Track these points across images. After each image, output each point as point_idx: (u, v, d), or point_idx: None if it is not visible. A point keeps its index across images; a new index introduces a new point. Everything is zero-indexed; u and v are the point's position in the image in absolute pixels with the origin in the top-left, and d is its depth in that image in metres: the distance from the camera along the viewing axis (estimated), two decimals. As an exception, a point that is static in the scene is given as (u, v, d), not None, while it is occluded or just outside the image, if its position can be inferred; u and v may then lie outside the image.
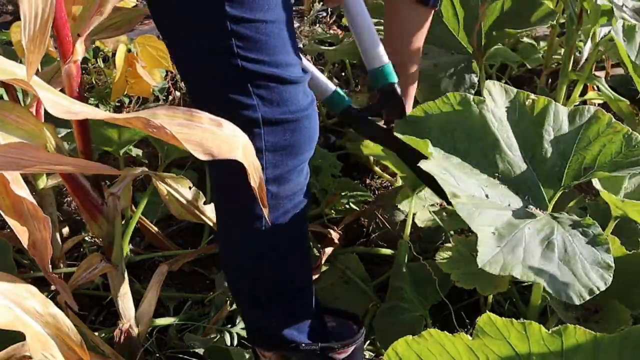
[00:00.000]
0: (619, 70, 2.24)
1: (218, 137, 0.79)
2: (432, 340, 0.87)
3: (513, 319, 0.85)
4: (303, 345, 1.14)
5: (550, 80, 2.19)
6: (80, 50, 0.96)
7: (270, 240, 1.09)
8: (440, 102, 1.26)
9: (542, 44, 2.25)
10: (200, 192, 1.34)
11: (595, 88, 1.97)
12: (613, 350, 0.84)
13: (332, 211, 1.69)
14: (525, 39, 2.24)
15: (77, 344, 0.97)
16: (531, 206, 1.19)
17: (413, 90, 1.44)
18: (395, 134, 1.24)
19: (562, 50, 2.10)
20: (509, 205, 1.18)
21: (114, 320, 1.32)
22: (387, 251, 1.57)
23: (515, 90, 1.30)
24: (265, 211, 0.90)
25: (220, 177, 1.09)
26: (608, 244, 1.08)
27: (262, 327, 1.17)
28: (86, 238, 1.63)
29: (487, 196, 1.17)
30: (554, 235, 1.08)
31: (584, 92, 2.01)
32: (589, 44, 1.78)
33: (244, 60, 0.95)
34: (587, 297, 1.00)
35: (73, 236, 1.60)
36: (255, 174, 0.84)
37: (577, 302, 0.99)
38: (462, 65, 1.78)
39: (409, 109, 1.39)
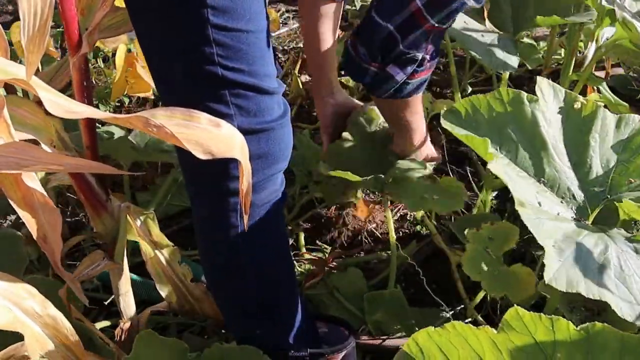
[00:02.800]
0: (619, 70, 2.24)
1: (216, 137, 0.79)
2: (455, 332, 0.85)
3: (541, 314, 0.83)
4: (292, 351, 1.15)
5: (550, 80, 2.18)
6: (87, 43, 0.97)
7: (249, 249, 1.09)
8: (491, 97, 1.23)
9: (542, 44, 2.25)
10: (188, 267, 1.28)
11: (595, 89, 1.97)
12: (640, 349, 0.83)
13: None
14: (526, 39, 2.23)
15: (76, 344, 0.97)
16: (584, 220, 1.16)
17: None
18: (444, 125, 1.22)
19: (562, 50, 2.10)
20: (558, 214, 1.15)
21: (115, 320, 1.31)
22: (382, 254, 1.58)
23: (563, 90, 1.27)
24: (245, 218, 0.91)
25: (194, 182, 1.09)
26: (658, 263, 1.06)
27: (249, 335, 1.17)
28: (86, 239, 1.63)
29: (539, 204, 1.14)
30: (609, 252, 1.06)
31: (584, 94, 2.01)
32: (593, 45, 1.77)
33: (224, 68, 0.95)
34: None
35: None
36: (247, 174, 0.84)
37: (639, 324, 0.98)
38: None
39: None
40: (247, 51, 0.96)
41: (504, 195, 1.71)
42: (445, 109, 1.25)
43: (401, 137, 1.41)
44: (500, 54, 1.59)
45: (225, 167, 1.01)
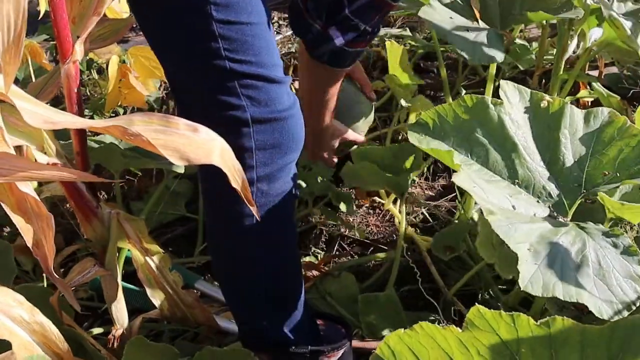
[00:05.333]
0: (613, 69, 2.24)
1: (194, 142, 0.80)
2: (424, 333, 0.87)
3: (502, 311, 0.84)
4: (293, 347, 1.17)
5: (543, 80, 2.19)
6: (79, 50, 0.98)
7: (260, 240, 1.11)
8: (456, 105, 1.23)
9: (534, 45, 2.25)
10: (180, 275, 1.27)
11: (587, 86, 1.97)
12: (601, 341, 0.83)
13: (319, 211, 1.71)
14: (518, 40, 2.24)
15: (65, 352, 0.98)
16: (560, 217, 1.16)
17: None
18: (410, 140, 1.22)
19: (554, 50, 2.10)
20: (535, 215, 1.15)
21: (108, 328, 1.32)
22: (381, 255, 1.59)
23: (529, 90, 1.27)
24: (254, 209, 0.93)
25: (207, 178, 1.11)
26: (639, 256, 1.07)
27: (253, 328, 1.19)
28: (80, 249, 1.64)
29: (513, 207, 1.14)
30: (587, 249, 1.06)
31: (576, 91, 2.02)
32: (575, 40, 1.78)
33: (231, 61, 0.98)
34: (626, 314, 0.99)
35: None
36: (236, 175, 0.85)
37: (616, 318, 0.98)
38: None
39: None
40: (252, 43, 0.99)
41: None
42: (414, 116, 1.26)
43: (313, 115, 1.37)
44: (484, 47, 1.59)
45: (240, 158, 0.99)
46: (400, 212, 1.57)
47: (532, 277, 1.00)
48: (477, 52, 1.57)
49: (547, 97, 1.25)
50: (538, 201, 1.19)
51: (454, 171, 1.14)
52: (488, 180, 1.18)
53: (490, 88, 1.73)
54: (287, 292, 1.19)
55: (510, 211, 1.12)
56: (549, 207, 1.19)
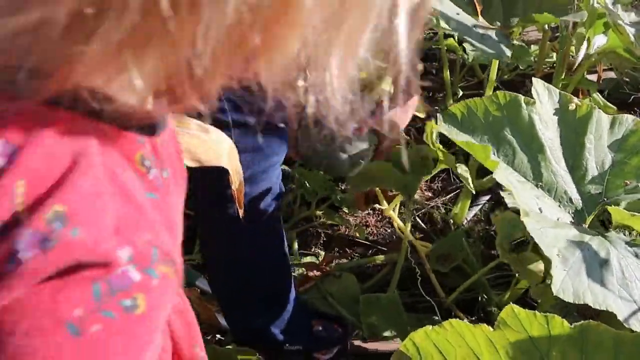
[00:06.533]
0: (611, 74, 2.24)
1: (205, 144, 0.78)
2: (452, 330, 0.85)
3: (536, 312, 0.83)
4: (287, 345, 1.19)
5: (545, 82, 2.18)
6: None
7: (248, 241, 1.12)
8: (488, 100, 1.21)
9: (533, 47, 2.25)
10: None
11: (586, 92, 1.97)
12: (635, 349, 0.82)
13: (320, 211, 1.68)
14: (516, 42, 2.23)
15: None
16: (582, 223, 1.15)
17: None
18: (440, 129, 1.21)
19: (554, 54, 2.10)
20: (558, 220, 1.14)
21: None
22: (379, 257, 1.58)
23: (557, 91, 1.26)
24: (241, 212, 0.93)
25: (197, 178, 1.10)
26: (658, 267, 1.06)
27: (247, 327, 1.20)
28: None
29: (540, 210, 1.12)
30: (611, 258, 1.06)
31: (576, 96, 2.01)
32: (584, 46, 1.77)
33: None
34: None
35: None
36: (236, 176, 0.84)
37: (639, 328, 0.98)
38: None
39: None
40: None
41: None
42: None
43: None
44: (494, 45, 1.58)
45: None
46: (402, 213, 1.55)
47: (563, 282, 0.99)
48: (488, 49, 1.56)
49: (576, 99, 1.23)
50: (559, 206, 1.18)
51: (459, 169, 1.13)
52: (518, 181, 1.16)
53: (491, 89, 1.72)
54: (278, 292, 1.20)
55: (538, 214, 1.11)
56: (569, 212, 1.18)
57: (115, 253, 0.37)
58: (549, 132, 1.21)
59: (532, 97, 1.24)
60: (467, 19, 1.64)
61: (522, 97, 1.21)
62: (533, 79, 1.25)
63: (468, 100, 1.21)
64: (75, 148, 0.37)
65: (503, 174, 1.11)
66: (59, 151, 0.37)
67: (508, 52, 1.57)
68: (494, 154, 1.18)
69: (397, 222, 1.52)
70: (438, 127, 1.20)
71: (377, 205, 1.75)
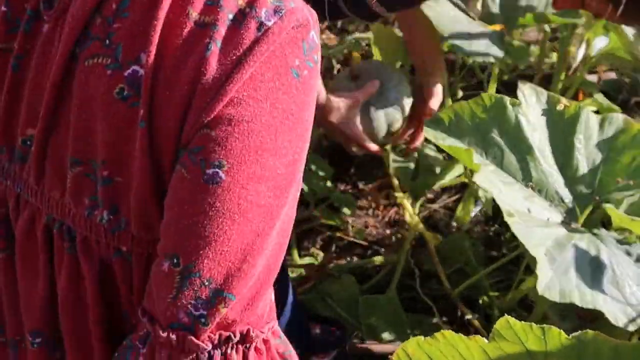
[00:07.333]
0: (612, 75, 2.23)
1: None
2: (445, 341, 0.84)
3: (532, 323, 0.82)
4: None
5: (542, 85, 2.17)
6: None
7: None
8: (473, 103, 1.21)
9: (533, 48, 2.23)
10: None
11: (588, 94, 1.96)
12: (634, 359, 0.81)
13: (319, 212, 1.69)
14: (516, 42, 2.22)
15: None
16: (572, 222, 1.15)
17: (438, 88, 1.47)
18: (426, 135, 1.22)
19: (554, 54, 2.09)
20: (548, 220, 1.14)
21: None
22: (379, 259, 1.57)
23: (545, 92, 1.26)
24: None
25: None
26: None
27: None
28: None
29: (528, 210, 1.13)
30: (601, 256, 1.06)
31: (576, 99, 2.00)
32: (583, 48, 1.77)
33: None
34: None
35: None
36: None
37: (631, 328, 0.98)
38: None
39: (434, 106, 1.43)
40: None
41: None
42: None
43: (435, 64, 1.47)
44: (485, 44, 1.57)
45: None
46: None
47: (550, 281, 0.99)
48: (474, 49, 1.56)
49: (564, 100, 1.23)
50: (550, 205, 1.17)
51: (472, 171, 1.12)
52: (503, 181, 1.16)
53: (492, 89, 1.72)
54: (276, 294, 1.19)
55: (526, 214, 1.11)
56: (560, 211, 1.18)
57: (309, 18, 0.60)
58: (537, 133, 1.21)
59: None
60: (463, 19, 1.63)
61: (507, 99, 1.21)
62: (519, 81, 1.26)
63: (455, 104, 1.22)
64: None
65: (487, 176, 1.12)
66: None
67: (500, 54, 1.57)
68: (483, 156, 1.18)
69: (409, 209, 1.52)
70: (425, 133, 1.21)
71: (377, 207, 1.77)
